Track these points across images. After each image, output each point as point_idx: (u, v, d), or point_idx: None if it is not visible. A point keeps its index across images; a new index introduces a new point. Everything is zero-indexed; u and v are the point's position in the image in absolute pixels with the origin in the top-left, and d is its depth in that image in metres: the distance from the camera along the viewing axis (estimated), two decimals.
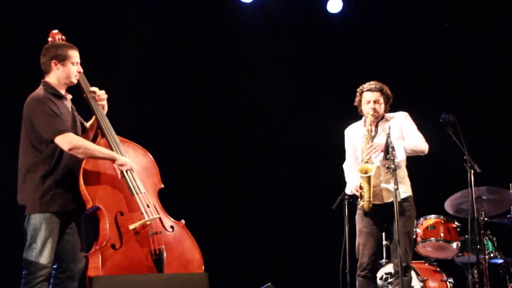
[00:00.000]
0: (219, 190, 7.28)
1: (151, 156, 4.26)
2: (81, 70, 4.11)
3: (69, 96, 4.13)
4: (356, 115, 5.11)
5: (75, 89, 4.19)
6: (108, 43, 6.58)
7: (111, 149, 4.03)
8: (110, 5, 6.75)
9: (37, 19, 6.30)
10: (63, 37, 4.23)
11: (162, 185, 4.23)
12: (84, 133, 4.21)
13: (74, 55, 4.06)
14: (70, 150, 3.86)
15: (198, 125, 7.31)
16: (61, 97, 4.05)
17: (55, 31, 4.24)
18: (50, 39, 4.20)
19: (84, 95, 4.17)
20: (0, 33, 6.18)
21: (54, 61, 4.02)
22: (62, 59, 4.02)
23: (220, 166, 7.35)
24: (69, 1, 6.57)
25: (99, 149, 3.96)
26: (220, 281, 4.53)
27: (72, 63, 4.04)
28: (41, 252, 3.82)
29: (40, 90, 4.01)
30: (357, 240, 4.93)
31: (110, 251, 3.83)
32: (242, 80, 7.47)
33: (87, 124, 4.28)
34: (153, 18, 7.06)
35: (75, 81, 4.09)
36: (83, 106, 4.23)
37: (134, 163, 4.08)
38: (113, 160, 3.95)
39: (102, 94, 4.20)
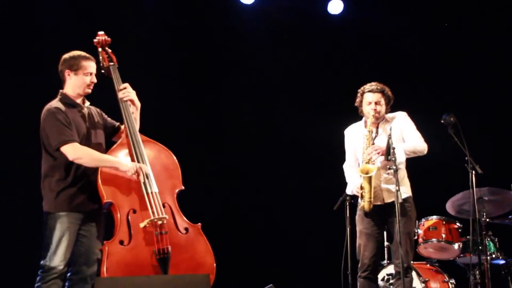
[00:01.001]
0: (219, 191, 7.27)
1: (175, 158, 4.36)
2: (95, 81, 4.23)
3: (87, 103, 4.27)
4: (356, 115, 5.11)
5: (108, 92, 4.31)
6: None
7: (132, 149, 4.14)
8: (111, 6, 6.76)
9: (37, 19, 6.33)
10: (108, 38, 4.43)
11: (183, 187, 4.32)
12: (116, 133, 4.38)
13: (88, 65, 4.20)
14: (73, 159, 4.01)
15: (198, 125, 7.31)
16: (75, 106, 4.18)
17: (101, 32, 4.44)
18: (96, 39, 4.41)
19: (115, 89, 4.32)
20: (1, 32, 6.21)
21: (67, 70, 4.18)
22: (75, 69, 4.17)
23: (220, 166, 7.35)
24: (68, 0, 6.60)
25: (103, 158, 4.09)
26: (222, 283, 4.52)
27: (85, 74, 4.18)
28: (55, 252, 3.95)
29: (54, 101, 4.17)
30: (358, 241, 4.93)
31: (117, 246, 3.92)
32: (243, 81, 7.47)
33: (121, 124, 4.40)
34: (154, 20, 7.07)
35: (88, 91, 4.23)
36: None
37: (156, 163, 4.20)
38: (116, 169, 4.06)
39: (124, 91, 4.30)
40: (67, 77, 4.18)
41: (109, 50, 4.43)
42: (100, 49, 4.40)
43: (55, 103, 4.14)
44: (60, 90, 4.22)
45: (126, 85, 4.33)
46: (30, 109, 4.69)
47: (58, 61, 4.26)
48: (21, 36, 6.32)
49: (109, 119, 4.42)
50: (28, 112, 4.76)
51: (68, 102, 4.16)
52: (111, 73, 4.36)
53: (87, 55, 4.25)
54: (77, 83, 4.17)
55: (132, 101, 4.33)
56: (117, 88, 4.32)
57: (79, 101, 4.22)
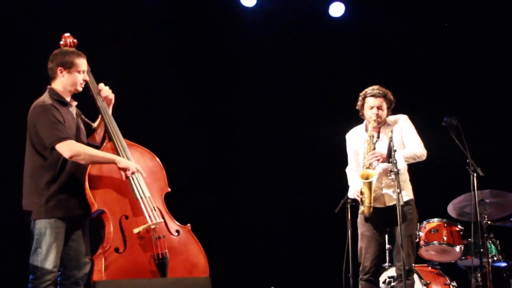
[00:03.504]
0: (220, 193, 7.28)
1: (158, 160, 4.28)
2: (87, 79, 4.12)
3: (74, 103, 4.14)
4: (357, 118, 5.10)
5: (83, 92, 4.22)
6: (110, 44, 6.60)
7: (117, 153, 4.05)
8: (116, 7, 6.77)
9: (37, 19, 6.33)
10: (75, 40, 4.26)
11: (169, 189, 4.24)
12: (92, 134, 4.25)
13: (81, 63, 4.06)
14: (71, 157, 3.86)
15: (199, 128, 7.31)
16: (65, 104, 4.05)
17: (67, 34, 4.27)
18: (62, 42, 4.25)
19: (91, 93, 4.20)
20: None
21: (60, 68, 4.02)
22: (69, 67, 4.02)
23: (222, 169, 7.35)
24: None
25: (100, 154, 3.98)
26: (223, 286, 4.52)
27: (79, 71, 4.05)
28: (47, 257, 3.83)
29: (45, 97, 4.01)
30: (359, 243, 4.92)
31: (113, 254, 3.85)
32: (244, 84, 7.48)
33: (95, 124, 4.30)
34: (155, 23, 7.08)
35: (80, 89, 4.10)
36: (90, 109, 4.27)
37: (141, 167, 4.07)
38: (115, 163, 3.96)
39: (106, 90, 4.23)
40: (59, 74, 4.01)
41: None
42: None
43: (47, 99, 3.97)
44: (49, 86, 4.05)
45: (102, 85, 4.21)
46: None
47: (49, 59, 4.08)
48: (20, 36, 6.33)
49: (86, 119, 4.27)
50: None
51: (58, 99, 4.00)
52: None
53: (79, 52, 4.11)
54: (69, 81, 4.02)
55: (110, 100, 4.23)
56: (94, 90, 4.18)
57: (68, 99, 4.07)
